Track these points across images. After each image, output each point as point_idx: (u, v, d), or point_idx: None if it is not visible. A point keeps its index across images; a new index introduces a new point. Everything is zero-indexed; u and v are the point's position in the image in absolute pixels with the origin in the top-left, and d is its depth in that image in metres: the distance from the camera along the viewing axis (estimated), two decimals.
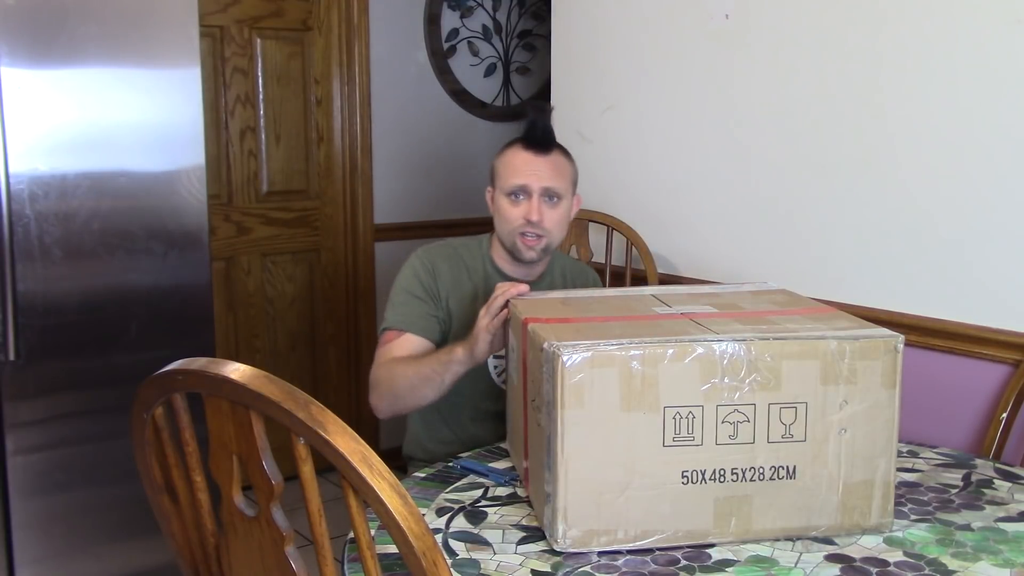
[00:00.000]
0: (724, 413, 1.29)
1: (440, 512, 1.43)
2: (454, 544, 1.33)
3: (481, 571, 1.25)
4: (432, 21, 3.74)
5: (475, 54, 3.89)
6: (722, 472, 1.31)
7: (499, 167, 1.92)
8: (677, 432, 1.29)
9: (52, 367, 2.26)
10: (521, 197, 1.88)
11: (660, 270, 2.67)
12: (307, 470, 0.98)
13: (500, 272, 1.96)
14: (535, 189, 1.86)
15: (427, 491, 1.51)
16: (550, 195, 1.87)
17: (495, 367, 1.89)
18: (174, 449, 1.19)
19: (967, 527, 1.39)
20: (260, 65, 3.40)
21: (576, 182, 1.96)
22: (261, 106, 3.42)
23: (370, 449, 0.93)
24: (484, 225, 2.07)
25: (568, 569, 1.26)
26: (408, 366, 1.80)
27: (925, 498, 1.50)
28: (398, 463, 1.89)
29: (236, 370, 1.01)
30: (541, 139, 1.88)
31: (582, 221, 2.80)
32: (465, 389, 1.87)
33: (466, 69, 3.87)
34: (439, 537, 1.34)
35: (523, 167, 1.87)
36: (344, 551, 1.27)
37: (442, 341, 1.90)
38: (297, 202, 3.55)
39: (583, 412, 1.26)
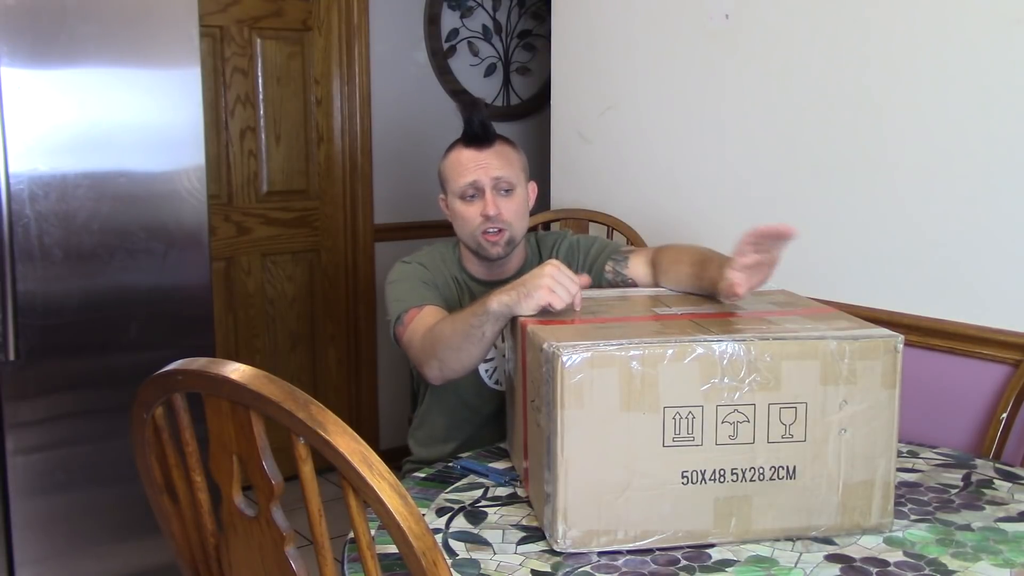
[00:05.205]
0: (724, 413, 1.29)
1: (440, 512, 1.43)
2: (454, 544, 1.33)
3: (481, 571, 1.25)
4: (432, 21, 3.74)
5: (475, 54, 3.89)
6: (722, 472, 1.31)
7: (446, 171, 1.91)
8: (677, 432, 1.29)
9: (52, 367, 2.26)
10: (474, 195, 1.86)
11: None
12: (307, 470, 0.98)
13: (473, 278, 1.95)
14: (486, 183, 1.84)
15: (427, 491, 1.51)
16: (502, 187, 1.85)
17: (486, 370, 1.88)
18: (174, 449, 1.19)
19: (967, 527, 1.39)
20: (260, 65, 3.40)
21: (527, 170, 1.93)
22: (261, 106, 3.42)
23: (370, 449, 0.93)
24: None
25: (568, 569, 1.26)
26: (445, 325, 1.69)
27: (925, 498, 1.50)
28: (398, 463, 1.89)
29: (236, 370, 1.01)
30: (480, 133, 1.86)
31: (582, 221, 2.81)
32: (460, 392, 1.87)
33: (466, 69, 3.87)
34: (439, 537, 1.34)
35: (469, 164, 1.85)
36: (344, 551, 1.27)
37: None
38: (297, 202, 3.55)
39: (583, 412, 1.26)
